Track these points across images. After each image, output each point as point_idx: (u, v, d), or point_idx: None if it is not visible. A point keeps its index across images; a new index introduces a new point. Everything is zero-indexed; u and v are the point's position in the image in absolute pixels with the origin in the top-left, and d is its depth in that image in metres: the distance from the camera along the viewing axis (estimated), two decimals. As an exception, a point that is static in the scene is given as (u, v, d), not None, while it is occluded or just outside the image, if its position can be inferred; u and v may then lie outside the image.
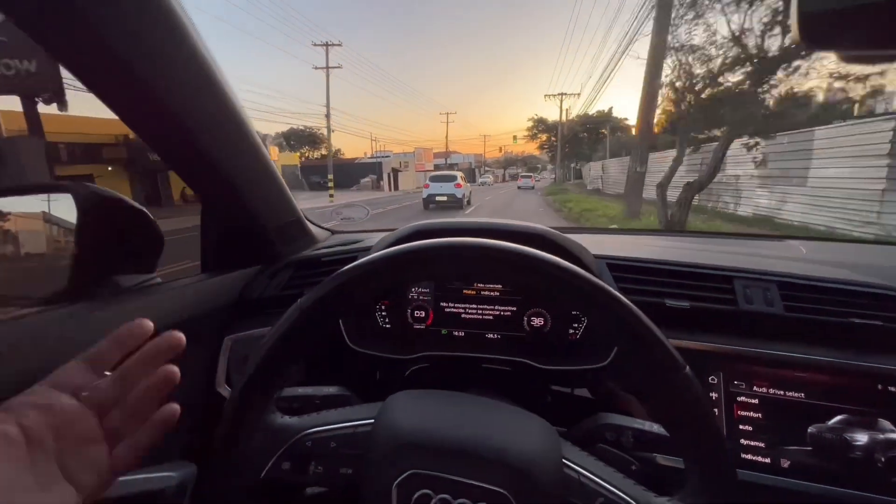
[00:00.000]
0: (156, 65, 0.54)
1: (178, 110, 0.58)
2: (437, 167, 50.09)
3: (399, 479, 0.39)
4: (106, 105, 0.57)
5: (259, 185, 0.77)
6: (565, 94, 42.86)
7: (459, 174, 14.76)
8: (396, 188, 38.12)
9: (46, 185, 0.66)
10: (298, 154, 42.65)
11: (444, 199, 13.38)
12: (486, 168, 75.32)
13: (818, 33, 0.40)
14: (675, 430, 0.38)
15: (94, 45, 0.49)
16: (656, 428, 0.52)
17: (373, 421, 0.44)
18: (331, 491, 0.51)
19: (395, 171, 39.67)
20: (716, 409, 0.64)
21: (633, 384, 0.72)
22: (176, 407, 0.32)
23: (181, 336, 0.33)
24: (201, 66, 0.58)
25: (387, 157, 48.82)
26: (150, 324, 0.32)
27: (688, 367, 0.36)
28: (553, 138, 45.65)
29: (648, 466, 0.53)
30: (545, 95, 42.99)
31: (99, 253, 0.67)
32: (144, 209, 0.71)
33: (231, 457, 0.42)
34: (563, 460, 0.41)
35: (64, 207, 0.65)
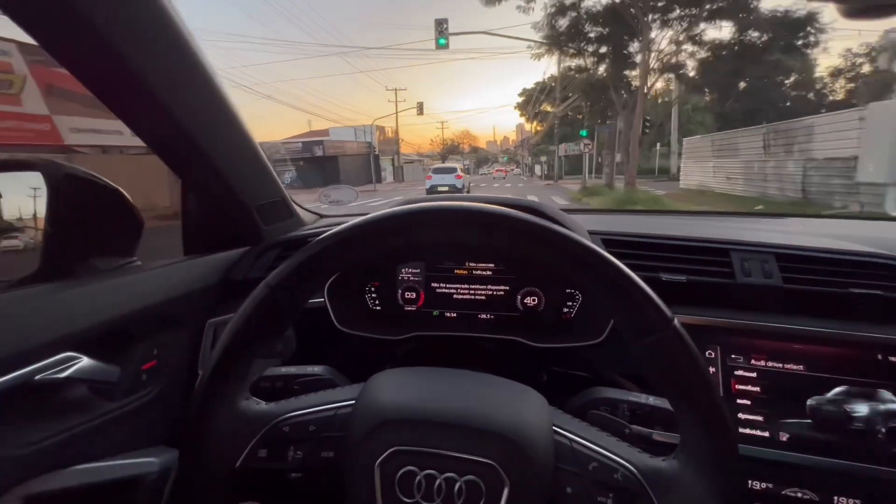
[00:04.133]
0: (133, 37, 0.52)
1: (155, 84, 0.56)
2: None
3: (381, 457, 0.37)
4: (79, 80, 0.55)
5: (240, 161, 0.74)
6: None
7: (459, 166, 18.37)
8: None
9: (15, 163, 0.63)
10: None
11: (446, 188, 15.54)
12: (409, 161, 41.41)
13: None
14: (668, 385, 0.36)
15: (69, 16, 0.47)
16: (652, 400, 0.51)
17: (353, 402, 0.42)
18: (314, 475, 0.50)
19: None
20: None
21: (626, 362, 0.71)
22: None
23: None
24: (178, 37, 0.56)
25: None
26: None
27: (676, 319, 0.34)
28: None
29: (644, 443, 0.52)
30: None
31: (72, 234, 0.64)
32: (120, 189, 0.69)
33: (201, 444, 0.40)
34: (554, 427, 0.39)
35: (33, 186, 0.63)
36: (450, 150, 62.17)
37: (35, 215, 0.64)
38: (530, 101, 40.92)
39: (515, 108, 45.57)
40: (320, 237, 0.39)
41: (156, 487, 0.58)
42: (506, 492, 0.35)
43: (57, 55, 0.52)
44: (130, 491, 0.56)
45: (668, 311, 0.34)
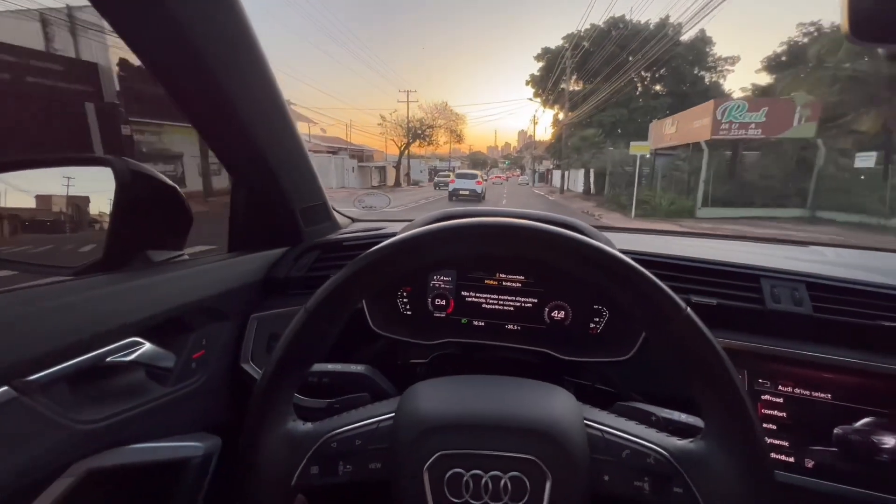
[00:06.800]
0: (211, 43, 0.56)
1: (227, 88, 0.61)
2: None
3: (428, 462, 0.39)
4: (159, 81, 0.59)
5: (290, 164, 0.78)
6: None
7: (479, 173, 19.74)
8: None
9: (88, 158, 0.67)
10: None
11: (467, 192, 17.31)
12: (328, 150, 25.86)
13: (867, 28, 0.40)
14: (688, 370, 0.38)
15: (158, 21, 0.52)
16: (684, 417, 0.52)
17: (393, 414, 0.44)
18: (363, 486, 0.52)
19: None
20: None
21: (652, 382, 0.72)
22: None
23: None
24: (250, 44, 0.61)
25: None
26: None
27: (689, 309, 0.36)
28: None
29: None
30: None
31: (132, 227, 0.68)
32: (176, 186, 0.73)
33: (258, 468, 0.42)
34: (585, 421, 0.41)
35: (103, 181, 0.67)
36: (416, 136, 33.74)
37: (101, 207, 0.69)
38: (554, 70, 26.53)
39: (528, 83, 30.85)
40: (353, 260, 0.40)
41: (200, 472, 0.62)
42: (548, 485, 0.38)
43: (144, 58, 0.57)
44: (178, 473, 0.60)
45: (681, 301, 0.36)
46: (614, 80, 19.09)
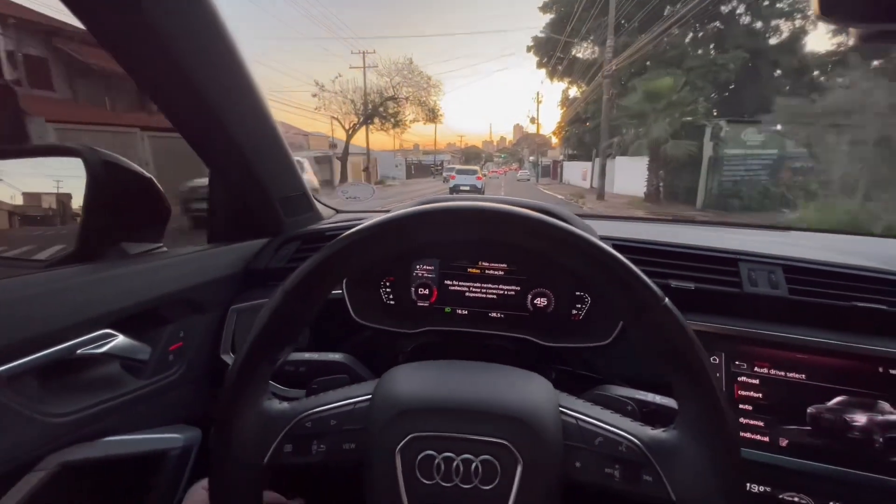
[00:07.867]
0: (179, 31, 0.55)
1: (194, 75, 0.59)
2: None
3: (400, 444, 0.39)
4: (122, 67, 0.58)
5: (267, 155, 0.77)
6: None
7: (478, 168, 19.86)
8: None
9: (59, 149, 0.66)
10: None
11: (467, 188, 17.56)
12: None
13: (838, 5, 0.40)
14: (664, 360, 0.38)
15: (128, 15, 0.50)
16: (658, 399, 0.53)
17: (370, 396, 0.44)
18: (336, 466, 0.52)
19: None
20: None
21: (631, 365, 0.73)
22: None
23: None
24: (220, 33, 0.59)
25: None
26: None
27: (667, 299, 0.36)
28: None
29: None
30: None
31: (106, 218, 0.67)
32: (153, 178, 0.71)
33: (231, 446, 0.42)
34: (560, 408, 0.42)
35: (74, 172, 0.66)
36: (373, 114, 22.21)
37: (73, 199, 0.68)
38: (569, 22, 19.10)
39: (530, 49, 23.77)
40: (333, 241, 0.40)
41: (179, 463, 0.61)
42: (519, 469, 0.38)
43: (114, 51, 0.56)
44: (157, 465, 0.59)
45: (659, 291, 0.37)
46: (654, 29, 12.20)
